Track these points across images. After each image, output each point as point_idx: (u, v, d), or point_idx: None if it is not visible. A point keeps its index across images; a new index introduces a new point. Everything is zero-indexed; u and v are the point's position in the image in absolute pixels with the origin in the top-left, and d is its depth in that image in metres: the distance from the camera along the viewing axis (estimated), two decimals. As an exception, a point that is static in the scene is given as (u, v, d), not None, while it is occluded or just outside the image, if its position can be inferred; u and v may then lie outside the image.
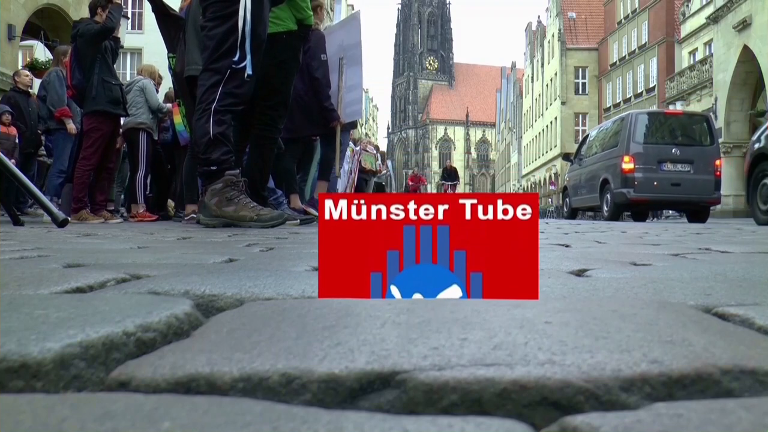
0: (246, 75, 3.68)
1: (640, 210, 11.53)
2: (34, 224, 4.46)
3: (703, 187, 10.24)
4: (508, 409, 0.39)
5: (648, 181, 10.41)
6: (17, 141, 8.93)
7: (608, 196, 11.12)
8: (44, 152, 9.59)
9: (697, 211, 10.92)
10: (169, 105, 7.35)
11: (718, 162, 10.54)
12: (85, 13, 6.22)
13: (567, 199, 14.20)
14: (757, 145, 7.12)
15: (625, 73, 41.26)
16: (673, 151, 10.58)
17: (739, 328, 0.60)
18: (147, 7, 6.41)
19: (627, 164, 10.48)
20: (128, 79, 8.67)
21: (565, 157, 14.86)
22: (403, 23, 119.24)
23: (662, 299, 0.81)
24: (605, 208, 11.29)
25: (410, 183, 24.32)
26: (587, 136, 13.88)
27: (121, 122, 6.70)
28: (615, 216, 10.95)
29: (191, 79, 4.83)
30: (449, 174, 22.88)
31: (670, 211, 16.47)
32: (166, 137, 7.71)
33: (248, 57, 3.67)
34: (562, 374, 0.42)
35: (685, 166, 10.52)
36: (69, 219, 3.88)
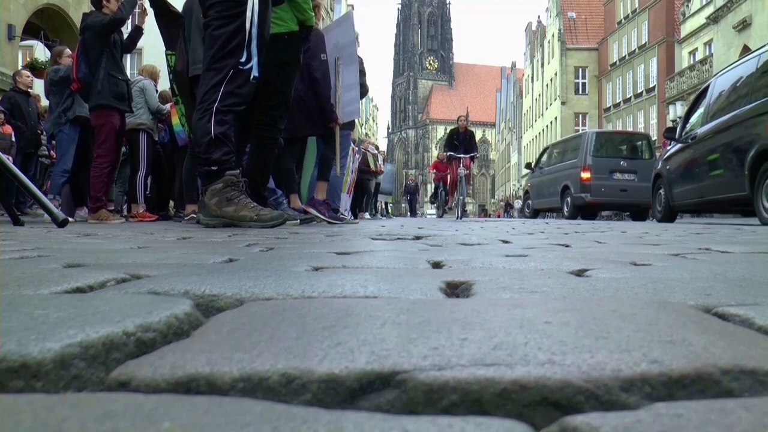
0: (252, 77, 3.66)
1: (594, 211, 14.03)
2: (34, 224, 4.46)
3: (644, 192, 11.70)
4: (508, 409, 0.39)
5: (601, 188, 12.87)
6: (14, 140, 8.95)
7: (568, 199, 13.54)
8: (45, 152, 9.59)
9: (639, 211, 13.22)
10: (168, 106, 7.33)
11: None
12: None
13: (529, 201, 16.80)
14: (657, 166, 9.41)
15: (625, 73, 41.25)
16: (621, 163, 13.22)
17: (739, 328, 0.60)
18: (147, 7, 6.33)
19: (585, 173, 12.96)
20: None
21: (527, 166, 17.56)
22: (403, 23, 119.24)
23: (662, 299, 0.81)
24: (566, 209, 13.71)
25: (432, 171, 18.09)
26: (547, 148, 16.53)
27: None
28: (573, 216, 13.27)
29: (197, 78, 4.81)
30: (462, 140, 12.43)
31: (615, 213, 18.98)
32: (163, 136, 7.70)
33: (254, 58, 3.65)
34: (562, 374, 0.42)
35: (630, 176, 13.02)
36: (69, 219, 3.88)
